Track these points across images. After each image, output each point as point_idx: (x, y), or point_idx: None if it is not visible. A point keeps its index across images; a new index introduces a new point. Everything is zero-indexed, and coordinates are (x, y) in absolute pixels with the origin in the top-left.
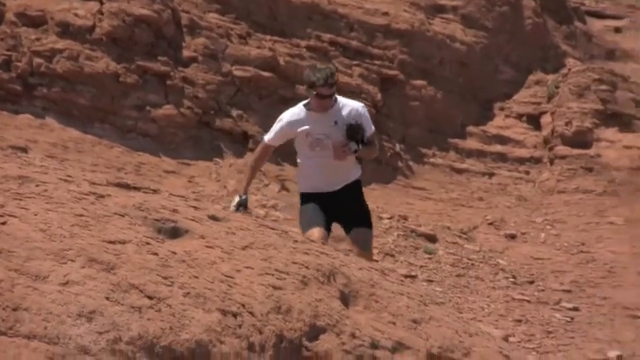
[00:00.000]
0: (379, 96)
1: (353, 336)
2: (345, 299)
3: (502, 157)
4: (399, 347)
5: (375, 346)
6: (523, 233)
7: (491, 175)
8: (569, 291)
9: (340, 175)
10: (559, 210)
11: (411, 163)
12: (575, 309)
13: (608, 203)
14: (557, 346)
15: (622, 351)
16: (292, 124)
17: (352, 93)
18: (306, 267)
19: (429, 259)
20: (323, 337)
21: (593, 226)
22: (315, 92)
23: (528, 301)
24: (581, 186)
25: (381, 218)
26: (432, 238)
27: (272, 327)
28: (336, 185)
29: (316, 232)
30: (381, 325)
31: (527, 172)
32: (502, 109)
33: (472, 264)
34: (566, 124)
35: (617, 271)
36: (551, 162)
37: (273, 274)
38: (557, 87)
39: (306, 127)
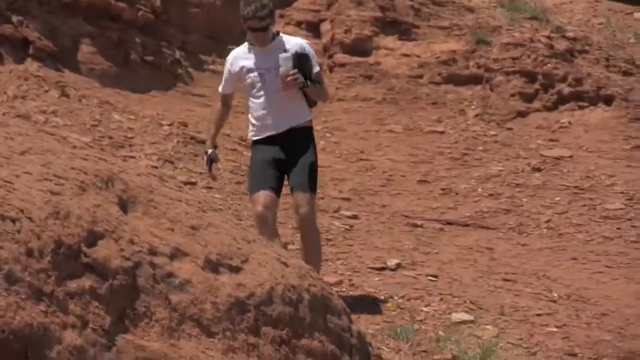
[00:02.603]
0: (158, 2)
1: (131, 242)
2: (124, 205)
3: None
4: (177, 253)
5: (153, 252)
6: None
7: None
8: (348, 199)
9: (289, 112)
10: (338, 118)
11: (190, 70)
12: (355, 217)
13: (387, 111)
14: (336, 254)
15: (401, 259)
16: (234, 62)
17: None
18: (85, 172)
19: None
20: (101, 242)
21: (372, 134)
22: (247, 26)
23: None
24: (360, 94)
25: (160, 125)
26: None
27: (50, 232)
28: (284, 123)
29: (261, 196)
30: (159, 231)
31: None
32: (282, 16)
33: None
34: (346, 31)
35: (396, 179)
36: (331, 70)
37: (51, 180)
38: None
39: (247, 62)
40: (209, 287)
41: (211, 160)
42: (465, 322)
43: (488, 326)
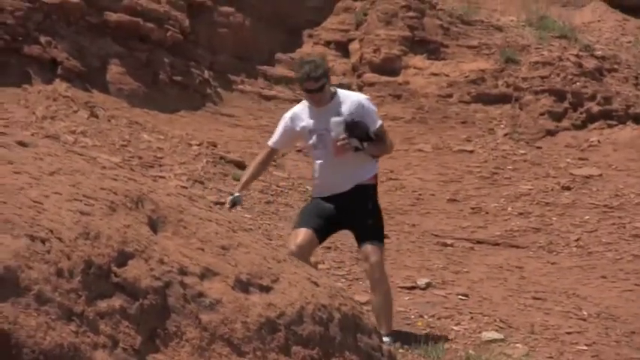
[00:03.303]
0: (187, 22)
1: (161, 262)
2: (154, 225)
3: None
4: (207, 273)
5: (183, 272)
6: None
7: (299, 102)
8: None
9: (348, 173)
10: None
11: (219, 89)
12: (385, 236)
13: (416, 131)
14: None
15: (430, 278)
16: (293, 120)
17: (159, 19)
18: (115, 193)
19: None
20: (131, 262)
21: (401, 154)
22: (302, 88)
23: None
24: (389, 113)
25: (190, 145)
26: (240, 165)
27: (80, 253)
28: (345, 185)
29: (301, 233)
30: (189, 251)
31: None
32: (310, 36)
33: (281, 191)
34: (375, 51)
35: (425, 199)
36: (360, 89)
37: (81, 200)
38: (365, 14)
39: (308, 122)
40: (239, 307)
41: (234, 203)
42: (495, 340)
43: (518, 345)
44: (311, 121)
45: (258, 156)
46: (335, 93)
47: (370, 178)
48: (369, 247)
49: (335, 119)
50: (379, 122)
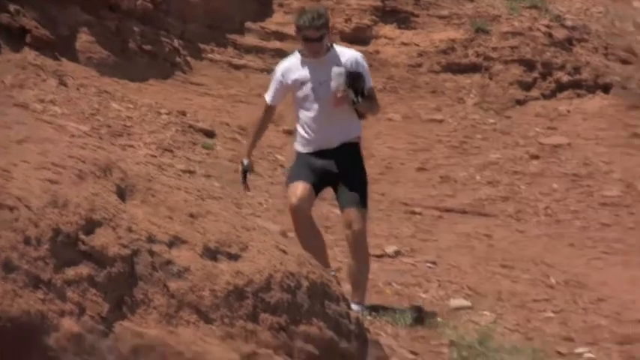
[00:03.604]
0: None
1: (130, 230)
2: (122, 194)
3: (281, 54)
4: (175, 241)
5: (151, 240)
6: None
7: (269, 71)
8: None
9: (339, 128)
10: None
11: (189, 58)
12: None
13: (386, 100)
14: (335, 242)
15: (399, 246)
16: (286, 74)
17: None
18: (83, 161)
19: (208, 154)
20: (99, 230)
21: (371, 123)
22: (302, 36)
23: None
24: None
25: (159, 114)
26: (210, 134)
27: (48, 221)
28: (334, 140)
29: (300, 186)
30: (157, 219)
31: None
32: (281, 5)
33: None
34: (346, 20)
35: (394, 167)
36: None
37: (49, 169)
38: None
39: (301, 74)
40: (207, 275)
41: (245, 171)
42: (462, 308)
43: (485, 312)
44: (304, 73)
45: (256, 116)
46: (331, 46)
47: (357, 137)
48: (352, 212)
49: (337, 69)
50: (371, 83)
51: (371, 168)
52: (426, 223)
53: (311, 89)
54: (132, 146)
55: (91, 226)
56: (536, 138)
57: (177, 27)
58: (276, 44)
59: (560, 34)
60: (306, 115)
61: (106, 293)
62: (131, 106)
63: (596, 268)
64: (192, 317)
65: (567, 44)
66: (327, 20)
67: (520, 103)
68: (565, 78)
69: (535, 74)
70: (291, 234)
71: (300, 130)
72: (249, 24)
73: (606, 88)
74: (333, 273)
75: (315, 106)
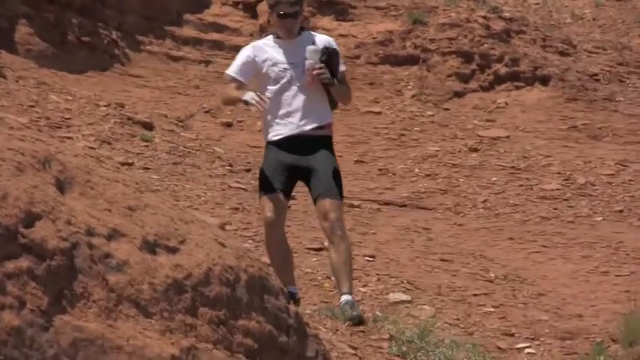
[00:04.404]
0: None
1: (69, 223)
2: (61, 186)
3: (219, 45)
4: (114, 234)
5: (90, 233)
6: (239, 121)
7: (207, 63)
8: None
9: (312, 112)
10: None
11: (127, 50)
12: (292, 197)
13: None
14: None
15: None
16: (257, 52)
17: None
18: (22, 153)
19: (146, 146)
20: (39, 223)
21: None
22: (276, 12)
23: (245, 189)
24: None
25: (97, 106)
26: (148, 126)
27: None
28: (305, 124)
29: (274, 198)
30: (96, 212)
31: None
32: None
33: (189, 152)
34: None
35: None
36: None
37: None
38: None
39: (272, 54)
40: (146, 268)
41: (255, 94)
42: (402, 302)
43: (425, 306)
44: (275, 54)
45: (223, 90)
46: (303, 29)
47: (328, 125)
48: (327, 203)
49: (312, 47)
50: (344, 67)
51: None
52: (365, 216)
53: (283, 71)
54: (70, 138)
55: (30, 219)
56: (475, 130)
57: (114, 19)
58: (213, 36)
59: (497, 25)
60: (274, 98)
61: (45, 286)
62: (70, 98)
63: (536, 262)
64: (131, 311)
65: (505, 36)
66: None
67: (458, 95)
68: (503, 70)
69: (473, 66)
70: (230, 227)
71: (267, 117)
72: (186, 16)
73: (545, 80)
74: (296, 290)
75: (286, 89)
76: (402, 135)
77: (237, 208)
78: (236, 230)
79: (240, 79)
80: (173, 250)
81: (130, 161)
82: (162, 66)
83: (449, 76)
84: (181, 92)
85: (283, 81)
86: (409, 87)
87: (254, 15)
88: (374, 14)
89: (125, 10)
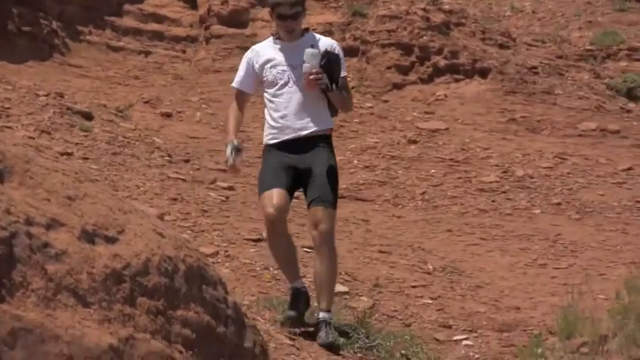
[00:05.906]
0: None
1: (8, 212)
2: (0, 175)
3: (158, 36)
4: (53, 224)
5: (29, 222)
6: (179, 112)
7: (147, 53)
8: (224, 170)
9: (311, 116)
10: (215, 89)
11: (67, 40)
12: (231, 188)
13: None
14: (212, 225)
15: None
16: (256, 57)
17: None
18: None
19: (85, 136)
20: None
21: (248, 106)
22: (276, 13)
23: (184, 180)
24: (236, 65)
25: (37, 95)
26: (88, 116)
27: None
28: (304, 127)
29: (276, 193)
30: (35, 201)
31: (184, 51)
32: None
33: (128, 142)
34: (222, 3)
35: None
36: (207, 41)
37: None
38: None
39: (271, 55)
40: (85, 258)
41: (237, 149)
42: (340, 293)
43: (363, 297)
44: (275, 55)
45: (231, 106)
46: (306, 30)
47: (328, 130)
48: (319, 212)
49: (310, 50)
50: (345, 73)
51: (247, 152)
52: (304, 207)
53: (282, 72)
54: (10, 127)
55: None
56: (414, 123)
57: (54, 8)
58: (153, 26)
59: (437, 18)
60: (274, 101)
61: None
62: (10, 87)
63: (474, 254)
64: (70, 301)
65: (445, 28)
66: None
67: (397, 87)
68: (442, 62)
69: (412, 58)
70: (169, 217)
71: (267, 119)
72: (126, 6)
73: (484, 73)
74: (302, 286)
75: (285, 91)
76: (341, 127)
77: (175, 199)
78: (174, 221)
79: (246, 91)
80: (112, 240)
81: (69, 151)
82: (102, 56)
83: (388, 68)
84: (121, 82)
85: (282, 83)
86: (348, 79)
87: (194, 6)
88: (314, 6)
89: (65, 0)
